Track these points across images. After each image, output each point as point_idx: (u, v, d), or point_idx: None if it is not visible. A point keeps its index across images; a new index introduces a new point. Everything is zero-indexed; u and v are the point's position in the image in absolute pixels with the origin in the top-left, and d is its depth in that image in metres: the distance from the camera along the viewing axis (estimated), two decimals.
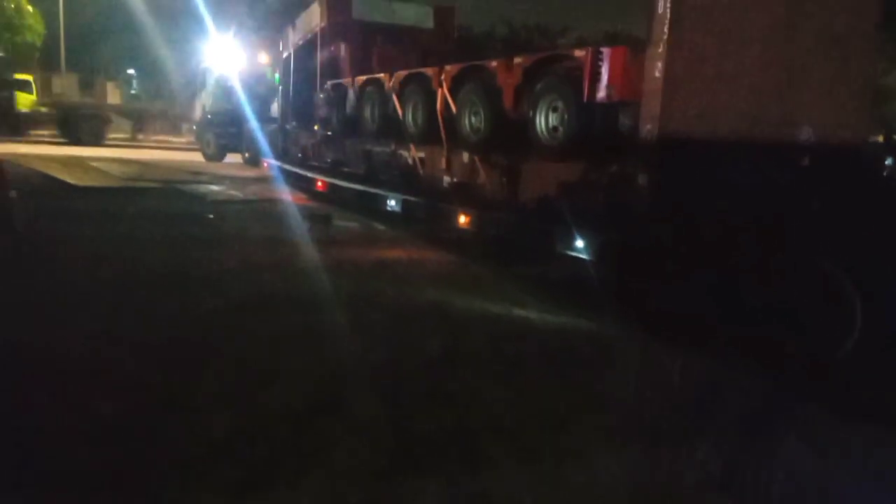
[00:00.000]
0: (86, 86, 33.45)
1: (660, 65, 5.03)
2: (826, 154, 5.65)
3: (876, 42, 6.02)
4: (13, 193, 7.95)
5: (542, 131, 6.41)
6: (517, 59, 6.77)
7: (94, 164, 15.38)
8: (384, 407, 3.60)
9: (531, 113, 6.50)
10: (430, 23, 11.38)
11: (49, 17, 26.52)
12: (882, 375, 3.89)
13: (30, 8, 24.99)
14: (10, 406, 3.32)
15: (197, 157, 19.85)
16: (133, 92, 37.16)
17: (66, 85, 31.11)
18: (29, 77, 26.62)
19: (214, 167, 17.59)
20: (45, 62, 28.78)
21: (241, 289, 5.69)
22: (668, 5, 4.87)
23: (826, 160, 5.62)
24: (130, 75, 37.20)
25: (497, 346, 4.66)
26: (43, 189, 10.63)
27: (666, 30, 4.91)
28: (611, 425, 3.54)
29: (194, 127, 22.02)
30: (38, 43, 26.25)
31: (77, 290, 5.40)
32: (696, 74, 5.06)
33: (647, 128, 5.18)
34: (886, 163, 17.52)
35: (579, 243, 5.79)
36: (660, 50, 4.99)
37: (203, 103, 20.06)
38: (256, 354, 4.22)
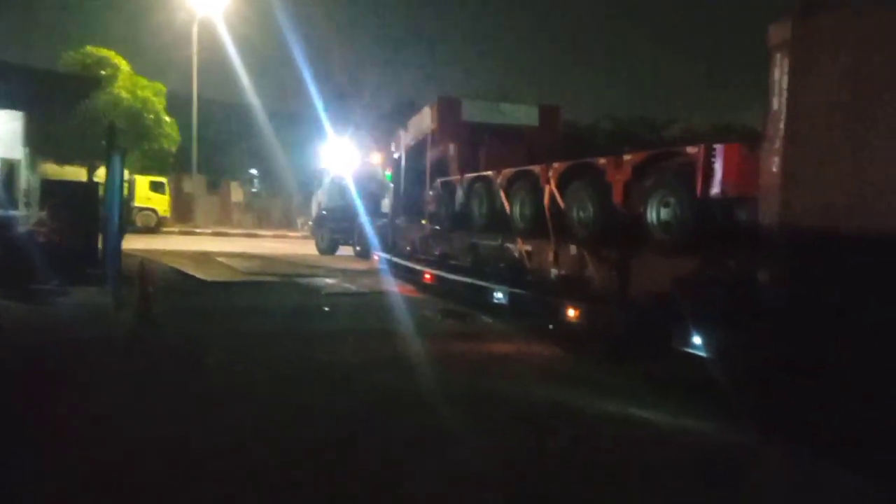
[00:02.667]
0: (214, 185, 36.35)
1: (777, 160, 4.97)
2: None
3: None
4: (151, 289, 8.64)
5: (653, 226, 6.39)
6: (626, 157, 6.85)
7: (220, 258, 16.47)
8: None
9: (642, 208, 6.51)
10: (535, 121, 11.73)
11: (182, 125, 29.31)
12: None
13: (167, 118, 27.72)
14: None
15: (311, 249, 20.87)
16: (254, 190, 39.89)
17: (195, 185, 33.91)
18: (163, 179, 29.26)
19: (328, 260, 18.40)
20: (180, 165, 31.63)
21: (366, 388, 5.83)
22: (784, 103, 4.85)
23: None
24: (252, 175, 40.03)
25: (620, 450, 4.54)
26: (176, 285, 11.46)
27: (782, 127, 4.87)
28: None
29: (310, 223, 23.30)
30: (174, 149, 28.92)
31: (210, 389, 5.73)
32: (816, 170, 4.95)
33: (767, 223, 5.07)
34: None
35: (696, 340, 5.62)
36: (776, 146, 4.94)
37: (319, 200, 21.26)
38: (394, 457, 4.30)
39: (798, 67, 4.81)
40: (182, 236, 26.58)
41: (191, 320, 8.65)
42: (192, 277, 12.38)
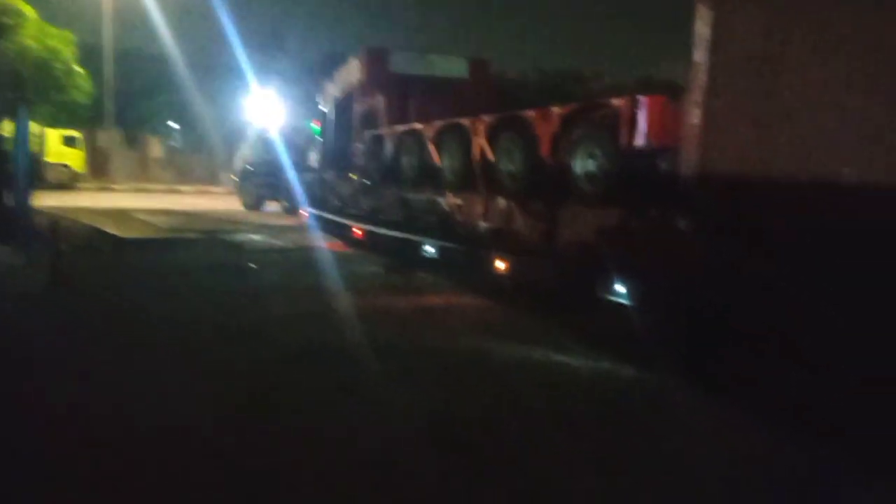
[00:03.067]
0: (132, 140, 34.73)
1: (698, 112, 5.08)
2: (872, 196, 5.58)
3: None
4: (64, 247, 8.23)
5: (580, 178, 6.47)
6: (554, 109, 6.88)
7: (139, 215, 15.83)
8: (447, 466, 3.58)
9: (569, 160, 6.57)
10: (465, 73, 11.63)
11: (97, 77, 27.73)
12: None
13: (78, 69, 26.12)
14: None
15: (236, 205, 20.32)
16: (175, 145, 38.36)
17: (111, 140, 32.32)
18: (77, 133, 27.72)
19: (254, 216, 17.97)
20: (95, 119, 30.04)
21: (290, 341, 5.76)
22: (707, 56, 4.94)
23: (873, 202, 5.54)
24: (173, 129, 38.41)
25: (545, 396, 4.65)
26: (92, 242, 10.95)
27: (705, 79, 4.97)
28: (669, 484, 3.48)
29: (234, 177, 22.62)
30: (88, 101, 27.36)
31: (122, 344, 5.54)
32: (735, 122, 5.08)
33: (687, 173, 5.20)
34: None
35: (620, 289, 5.77)
36: (699, 98, 5.04)
37: (243, 154, 20.64)
38: (314, 410, 4.26)
39: (720, 22, 4.90)
40: (100, 193, 25.36)
41: (107, 278, 8.31)
42: (110, 235, 11.85)
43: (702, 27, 5.01)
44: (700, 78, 5.03)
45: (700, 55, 5.01)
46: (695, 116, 5.09)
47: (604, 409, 4.47)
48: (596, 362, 5.43)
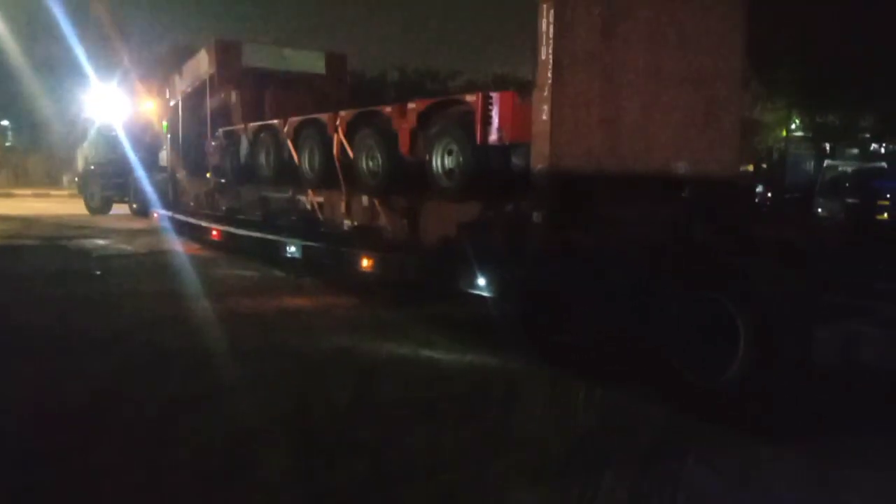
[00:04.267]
0: None
1: (546, 108, 5.27)
2: (703, 185, 6.06)
3: (741, 79, 6.57)
4: None
5: (438, 173, 6.53)
6: (411, 105, 6.90)
7: None
8: (297, 461, 3.51)
9: (427, 156, 6.62)
10: (321, 69, 11.41)
11: None
12: (769, 399, 4.13)
13: None
14: None
15: (80, 209, 18.85)
16: (8, 144, 35.01)
17: None
18: None
19: (100, 220, 16.76)
20: None
21: (133, 350, 5.41)
22: (551, 52, 5.13)
23: (703, 191, 6.02)
24: (4, 127, 35.05)
25: (407, 390, 4.66)
26: None
27: (550, 75, 5.16)
28: (522, 462, 3.59)
29: (76, 179, 20.93)
30: None
31: None
32: (580, 116, 5.33)
33: (538, 167, 5.39)
34: (757, 190, 18.90)
35: (481, 281, 5.89)
36: (545, 94, 5.23)
37: (85, 154, 19.13)
38: (160, 418, 4.02)
39: (560, 18, 5.10)
40: None
41: None
42: None
43: (544, 24, 5.20)
44: (545, 74, 5.22)
45: (544, 52, 5.20)
46: (543, 112, 5.28)
47: (465, 401, 4.54)
48: (460, 355, 5.52)
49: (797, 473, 3.53)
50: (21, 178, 31.83)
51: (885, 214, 14.71)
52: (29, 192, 27.83)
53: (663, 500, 3.13)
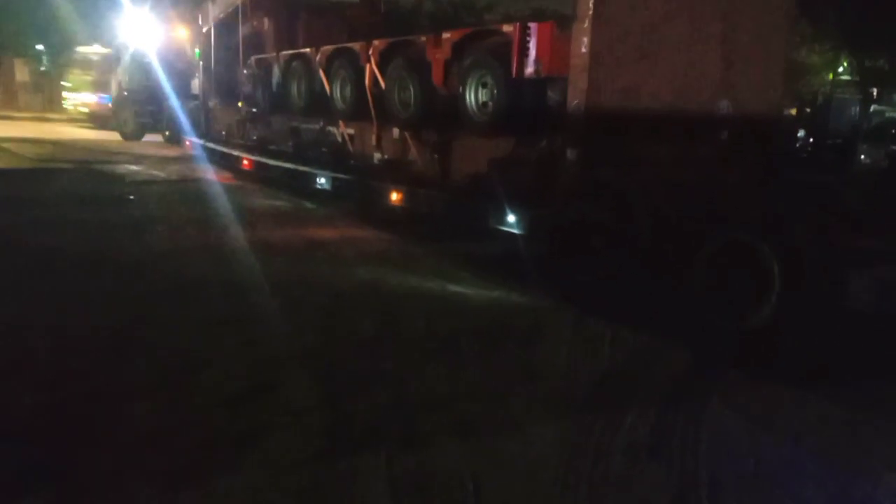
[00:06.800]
0: None
1: (585, 40, 5.10)
2: (743, 127, 5.87)
3: (788, 16, 6.27)
4: None
5: (471, 107, 6.41)
6: (445, 34, 6.72)
7: (4, 144, 14.52)
8: (320, 388, 3.58)
9: (461, 89, 6.48)
10: None
11: None
12: (801, 339, 4.10)
13: None
14: None
15: (114, 135, 18.99)
16: (43, 69, 35.10)
17: None
18: None
19: (134, 146, 16.89)
20: None
21: (170, 274, 5.50)
22: None
23: (744, 133, 5.84)
24: (40, 51, 35.07)
25: (432, 323, 4.69)
26: None
27: (591, 6, 4.97)
28: (544, 396, 3.62)
29: (110, 104, 21.01)
30: None
31: None
32: (620, 50, 5.15)
33: (575, 103, 5.25)
34: (798, 135, 18.32)
35: (511, 218, 5.85)
36: (585, 25, 5.05)
37: (119, 80, 19.15)
38: (189, 342, 4.10)
39: None
40: None
41: None
42: None
43: None
44: (586, 5, 5.03)
45: None
46: (582, 45, 5.11)
47: (489, 335, 4.56)
48: (486, 290, 5.52)
49: (823, 418, 3.51)
50: (56, 103, 32.01)
51: None
52: (63, 116, 28.06)
53: (686, 439, 3.14)
